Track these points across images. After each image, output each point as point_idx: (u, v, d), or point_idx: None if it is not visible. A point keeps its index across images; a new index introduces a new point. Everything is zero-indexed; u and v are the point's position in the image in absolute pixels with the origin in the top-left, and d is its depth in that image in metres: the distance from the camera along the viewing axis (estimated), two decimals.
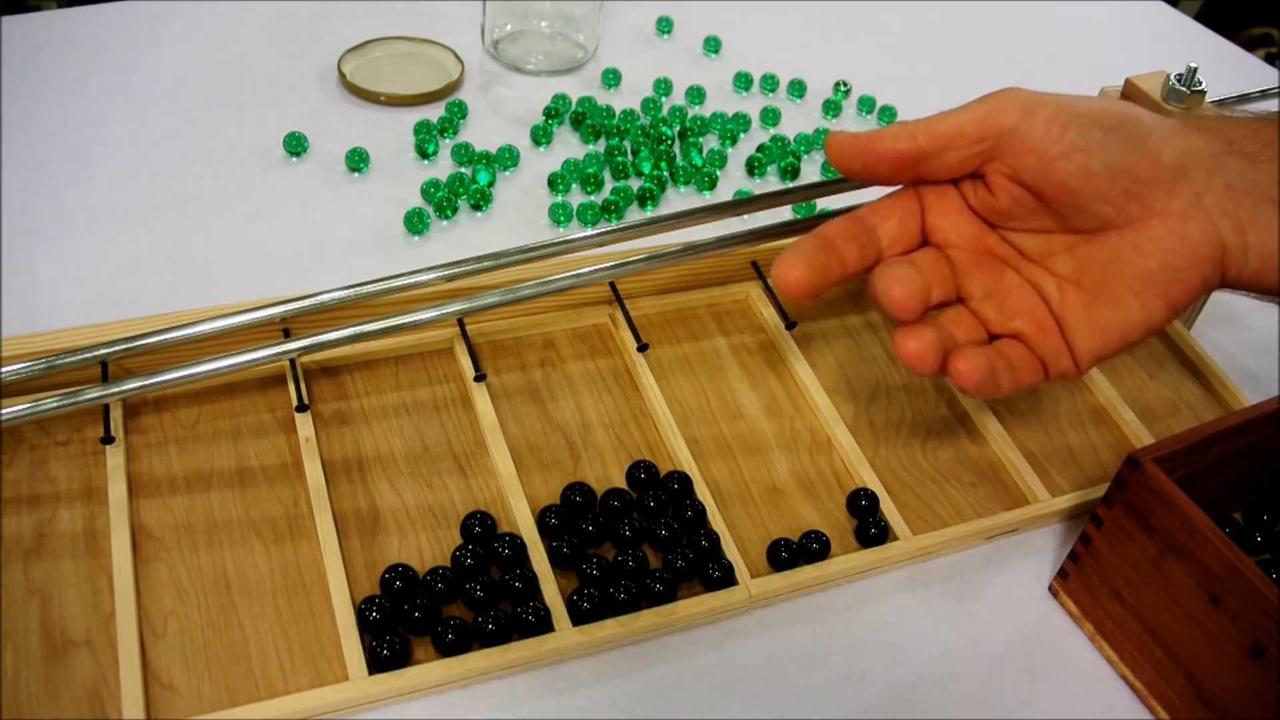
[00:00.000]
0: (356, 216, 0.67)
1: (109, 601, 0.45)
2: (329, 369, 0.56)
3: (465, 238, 0.67)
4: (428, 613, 0.46)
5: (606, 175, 0.73)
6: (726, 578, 0.49)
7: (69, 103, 0.71)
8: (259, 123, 0.72)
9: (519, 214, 0.69)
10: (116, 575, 0.45)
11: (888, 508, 0.54)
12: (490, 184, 0.70)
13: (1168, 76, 0.64)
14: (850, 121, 0.83)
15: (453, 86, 0.77)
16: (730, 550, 0.50)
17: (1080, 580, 0.51)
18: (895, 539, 0.52)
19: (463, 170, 0.71)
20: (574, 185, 0.71)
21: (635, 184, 0.72)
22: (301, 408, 0.52)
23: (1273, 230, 0.42)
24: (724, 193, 0.74)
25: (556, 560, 0.49)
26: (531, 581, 0.47)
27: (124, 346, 0.48)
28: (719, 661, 0.48)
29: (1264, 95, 0.72)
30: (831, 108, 0.82)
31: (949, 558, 0.54)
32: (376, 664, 0.44)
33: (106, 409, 0.50)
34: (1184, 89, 0.63)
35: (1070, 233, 0.44)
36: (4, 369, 0.47)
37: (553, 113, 0.76)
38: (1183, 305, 0.43)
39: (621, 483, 0.53)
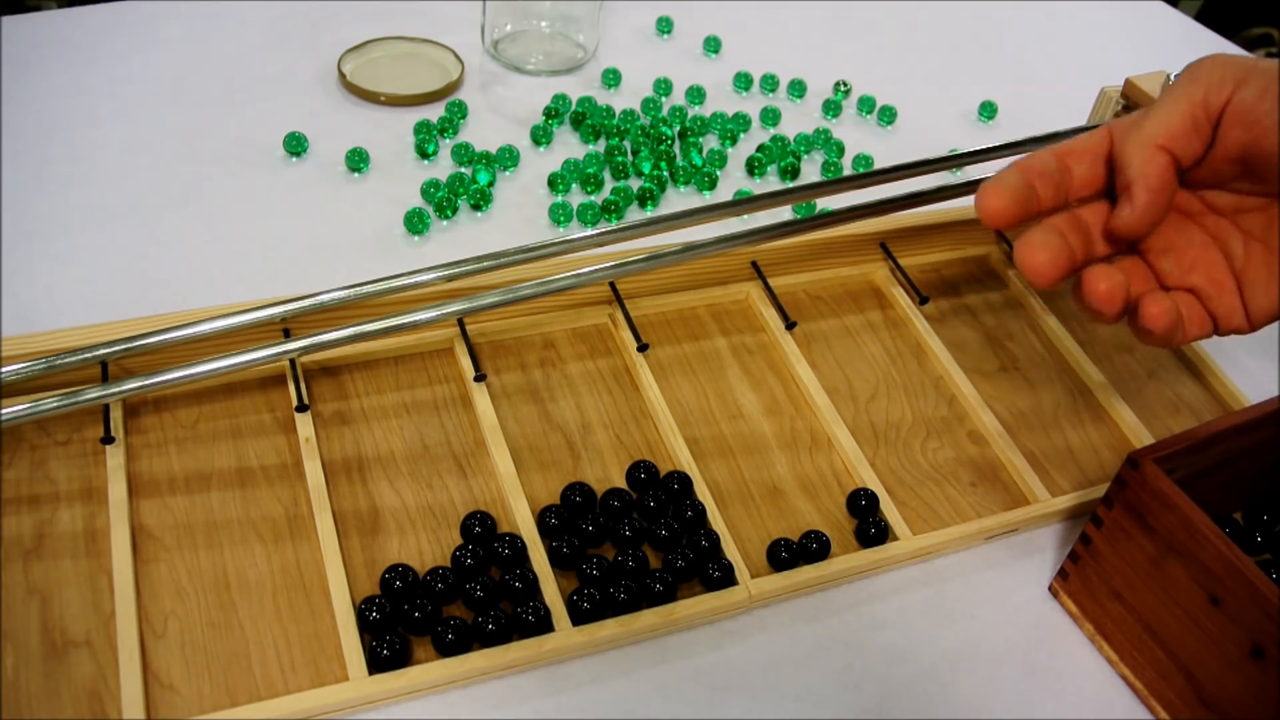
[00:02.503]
0: (356, 216, 0.67)
1: (109, 601, 0.45)
2: (329, 369, 0.56)
3: (465, 238, 0.67)
4: (428, 613, 0.46)
5: (606, 175, 0.73)
6: (726, 578, 0.49)
7: (69, 103, 0.71)
8: (259, 123, 0.72)
9: (519, 214, 0.69)
10: (116, 575, 0.45)
11: (888, 508, 0.54)
12: (490, 184, 0.70)
13: (1168, 76, 0.64)
14: (850, 121, 0.83)
15: (453, 86, 0.77)
16: (730, 550, 0.50)
17: (1080, 580, 0.51)
18: (895, 539, 0.52)
19: (463, 170, 0.71)
20: (574, 185, 0.71)
21: (635, 184, 0.72)
22: (301, 408, 0.52)
23: None
24: (724, 193, 0.74)
25: (556, 560, 0.49)
26: (531, 581, 0.47)
27: (124, 346, 0.48)
28: (719, 661, 0.48)
29: None
30: (831, 108, 0.82)
31: (949, 558, 0.54)
32: (376, 664, 0.44)
33: (106, 409, 0.50)
34: None
35: (1268, 196, 0.44)
36: (4, 369, 0.47)
37: (553, 113, 0.76)
38: None
39: (621, 483, 0.53)
